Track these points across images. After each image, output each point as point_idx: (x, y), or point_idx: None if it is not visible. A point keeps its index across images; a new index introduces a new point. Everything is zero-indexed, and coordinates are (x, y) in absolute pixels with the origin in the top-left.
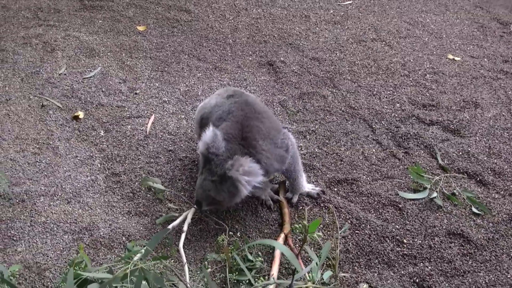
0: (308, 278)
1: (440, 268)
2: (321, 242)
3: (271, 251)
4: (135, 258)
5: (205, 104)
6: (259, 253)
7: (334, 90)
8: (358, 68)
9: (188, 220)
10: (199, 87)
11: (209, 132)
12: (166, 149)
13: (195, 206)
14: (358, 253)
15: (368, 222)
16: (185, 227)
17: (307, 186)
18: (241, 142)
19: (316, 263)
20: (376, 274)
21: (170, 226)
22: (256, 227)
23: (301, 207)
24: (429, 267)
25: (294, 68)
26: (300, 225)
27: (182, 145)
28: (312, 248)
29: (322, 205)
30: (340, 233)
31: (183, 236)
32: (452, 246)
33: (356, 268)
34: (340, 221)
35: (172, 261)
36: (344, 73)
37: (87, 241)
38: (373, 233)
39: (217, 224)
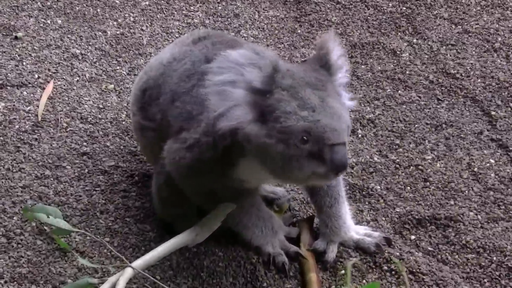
0: None
1: None
2: None
3: None
4: None
5: (151, 64)
6: None
7: (416, 40)
8: None
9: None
10: (143, 28)
11: (232, 56)
12: (78, 151)
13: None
14: None
15: None
16: None
17: (355, 229)
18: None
19: None
20: None
21: None
22: None
23: (340, 266)
24: None
25: None
26: None
27: (108, 144)
28: None
29: (384, 267)
30: None
31: None
32: None
33: None
34: None
35: None
36: (437, 5)
37: None
38: None
39: None
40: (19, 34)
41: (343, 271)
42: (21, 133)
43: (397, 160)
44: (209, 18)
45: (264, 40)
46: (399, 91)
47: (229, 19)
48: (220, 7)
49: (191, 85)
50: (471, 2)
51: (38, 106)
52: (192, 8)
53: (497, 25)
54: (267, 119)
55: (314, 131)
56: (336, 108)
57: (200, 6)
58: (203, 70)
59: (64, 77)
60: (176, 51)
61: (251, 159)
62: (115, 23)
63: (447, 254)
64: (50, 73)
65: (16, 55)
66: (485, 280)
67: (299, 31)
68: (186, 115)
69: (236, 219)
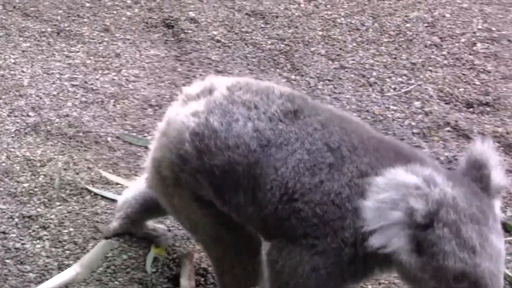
0: None
1: None
2: None
3: None
4: None
5: (198, 138)
6: None
7: (294, 76)
8: (342, 31)
9: None
10: (24, 69)
11: (399, 175)
12: None
13: None
14: None
15: None
16: None
17: None
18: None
19: None
20: None
21: None
22: None
23: None
24: None
25: (215, 32)
26: None
27: None
28: None
29: None
30: None
31: None
32: None
33: None
34: None
35: None
36: (314, 42)
37: None
38: None
39: None
40: None
41: None
42: None
43: None
44: (90, 59)
45: (145, 79)
46: None
47: (110, 59)
48: (101, 47)
49: (318, 181)
50: (347, 39)
51: None
52: (73, 48)
53: (372, 61)
54: (424, 252)
55: (472, 275)
56: (497, 247)
57: (81, 46)
58: (331, 162)
59: None
60: (262, 127)
61: (392, 269)
62: None
63: None
64: None
65: None
66: None
67: (179, 69)
68: (316, 219)
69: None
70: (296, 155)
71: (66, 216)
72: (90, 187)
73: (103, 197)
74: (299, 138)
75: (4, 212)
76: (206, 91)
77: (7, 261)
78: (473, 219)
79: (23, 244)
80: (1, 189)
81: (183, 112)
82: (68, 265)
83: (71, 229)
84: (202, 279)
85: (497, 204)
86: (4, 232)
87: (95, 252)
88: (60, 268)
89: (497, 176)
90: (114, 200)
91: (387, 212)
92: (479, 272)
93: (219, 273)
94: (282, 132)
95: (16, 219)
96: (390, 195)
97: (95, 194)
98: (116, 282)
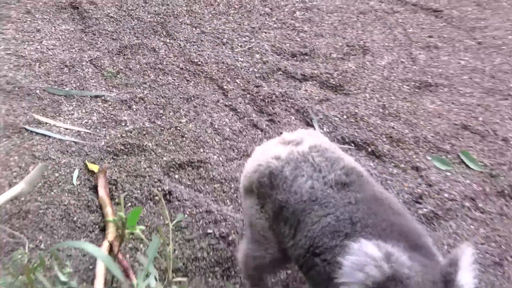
0: None
1: None
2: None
3: (92, 266)
4: None
5: (274, 177)
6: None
7: (168, 40)
8: (201, 6)
9: None
10: None
11: (367, 247)
12: None
13: None
14: (213, 261)
15: (225, 218)
16: None
17: None
18: (413, 251)
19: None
20: (238, 285)
21: None
22: (69, 235)
23: (128, 200)
24: None
25: (109, 11)
26: (115, 217)
27: None
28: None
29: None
30: (173, 224)
31: None
32: None
33: (210, 279)
34: (189, 219)
35: None
36: (181, 15)
37: None
38: (232, 232)
39: (11, 236)
40: None
41: None
42: None
43: (162, 124)
44: (18, 34)
45: (60, 47)
46: (160, 76)
47: (33, 34)
48: (26, 25)
49: (334, 244)
50: (204, 12)
51: None
52: (4, 27)
53: (223, 27)
54: None
55: None
56: None
57: (11, 25)
58: (347, 232)
59: None
60: (318, 189)
61: None
62: None
63: (200, 185)
64: None
65: None
66: (228, 201)
67: (85, 39)
68: (324, 274)
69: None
70: (328, 218)
71: (11, 149)
72: (27, 127)
73: (37, 133)
74: (335, 206)
75: None
76: (295, 142)
77: None
78: None
79: None
80: None
81: (273, 152)
82: (16, 183)
83: (16, 157)
84: (114, 187)
85: None
86: None
87: (35, 172)
88: (10, 186)
89: (464, 277)
90: (45, 135)
91: (355, 272)
92: None
93: (246, 261)
94: (328, 196)
95: None
96: (358, 259)
97: (31, 131)
98: (52, 193)
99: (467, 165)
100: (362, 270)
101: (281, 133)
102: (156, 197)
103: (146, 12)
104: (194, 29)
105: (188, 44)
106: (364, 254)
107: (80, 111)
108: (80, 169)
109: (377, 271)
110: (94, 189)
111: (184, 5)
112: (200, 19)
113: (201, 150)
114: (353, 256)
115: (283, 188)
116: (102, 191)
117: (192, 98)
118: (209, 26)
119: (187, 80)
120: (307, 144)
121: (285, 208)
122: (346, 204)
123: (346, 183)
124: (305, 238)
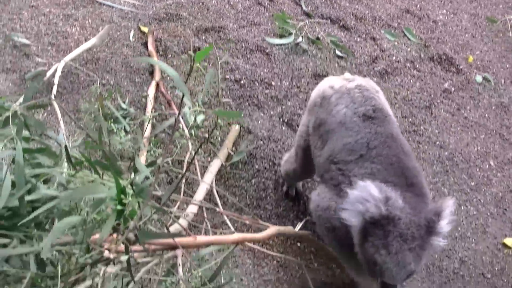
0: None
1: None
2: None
3: (144, 99)
4: (14, 106)
5: (324, 99)
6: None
7: None
8: None
9: (58, 72)
10: None
11: (371, 187)
12: (28, 4)
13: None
14: (230, 96)
15: (238, 67)
16: (56, 80)
17: None
18: (408, 190)
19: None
20: (247, 116)
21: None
22: (128, 76)
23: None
24: (297, 106)
25: None
26: (187, 55)
27: (45, 1)
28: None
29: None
30: (221, 61)
31: (54, 88)
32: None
33: (226, 109)
34: (211, 68)
35: (45, 114)
36: None
37: None
38: (243, 77)
39: (87, 76)
40: None
41: None
42: None
43: (193, 0)
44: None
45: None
46: None
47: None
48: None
49: (349, 160)
50: None
51: None
52: None
53: None
54: (365, 237)
55: (381, 266)
56: (406, 260)
57: None
58: (362, 153)
59: None
60: (348, 118)
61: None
62: None
63: (220, 44)
64: None
65: None
66: (240, 56)
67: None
68: (335, 180)
69: None
70: (349, 139)
71: (86, 14)
72: None
73: (105, 4)
74: (358, 131)
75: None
76: (349, 80)
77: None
78: (402, 237)
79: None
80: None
81: (332, 82)
82: (90, 39)
83: (90, 21)
84: (158, 43)
85: (434, 240)
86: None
87: (103, 31)
88: (86, 40)
89: (444, 226)
90: (110, 6)
91: (356, 203)
92: (384, 268)
93: (284, 165)
94: (355, 123)
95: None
96: (362, 195)
97: (100, 2)
98: (115, 46)
99: (408, 38)
100: (363, 204)
101: (279, 10)
102: (189, 52)
103: None
104: None
105: None
106: (367, 192)
107: None
108: (135, 30)
109: (375, 209)
110: (145, 44)
111: None
112: None
113: (221, 19)
114: (358, 191)
115: (326, 109)
116: (151, 46)
117: None
118: None
119: None
120: (356, 83)
121: (322, 125)
122: (367, 132)
123: (371, 117)
124: (329, 149)
